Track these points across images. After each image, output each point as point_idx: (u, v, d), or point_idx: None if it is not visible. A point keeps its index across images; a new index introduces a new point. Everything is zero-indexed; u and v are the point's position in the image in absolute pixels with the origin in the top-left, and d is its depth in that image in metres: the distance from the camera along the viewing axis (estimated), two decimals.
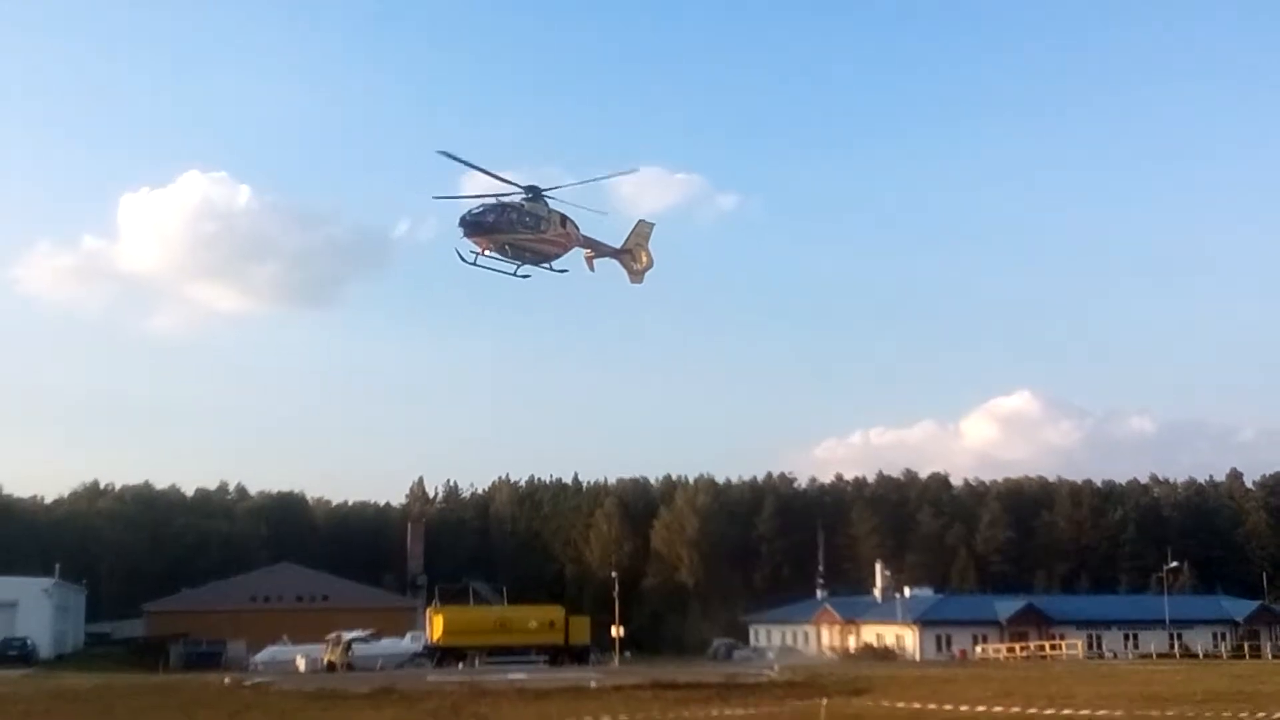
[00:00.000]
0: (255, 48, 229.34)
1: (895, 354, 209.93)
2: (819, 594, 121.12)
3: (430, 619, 71.30)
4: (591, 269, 50.11)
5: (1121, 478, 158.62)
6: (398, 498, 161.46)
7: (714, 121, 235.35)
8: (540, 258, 46.53)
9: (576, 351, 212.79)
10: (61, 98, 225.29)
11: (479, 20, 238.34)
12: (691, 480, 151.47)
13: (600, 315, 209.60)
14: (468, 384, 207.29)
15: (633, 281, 51.66)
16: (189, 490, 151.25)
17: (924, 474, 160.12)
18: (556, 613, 71.79)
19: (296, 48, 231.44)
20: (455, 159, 43.66)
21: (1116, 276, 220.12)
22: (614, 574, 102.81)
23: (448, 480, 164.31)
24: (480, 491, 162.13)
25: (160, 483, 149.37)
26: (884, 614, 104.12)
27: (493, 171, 44.70)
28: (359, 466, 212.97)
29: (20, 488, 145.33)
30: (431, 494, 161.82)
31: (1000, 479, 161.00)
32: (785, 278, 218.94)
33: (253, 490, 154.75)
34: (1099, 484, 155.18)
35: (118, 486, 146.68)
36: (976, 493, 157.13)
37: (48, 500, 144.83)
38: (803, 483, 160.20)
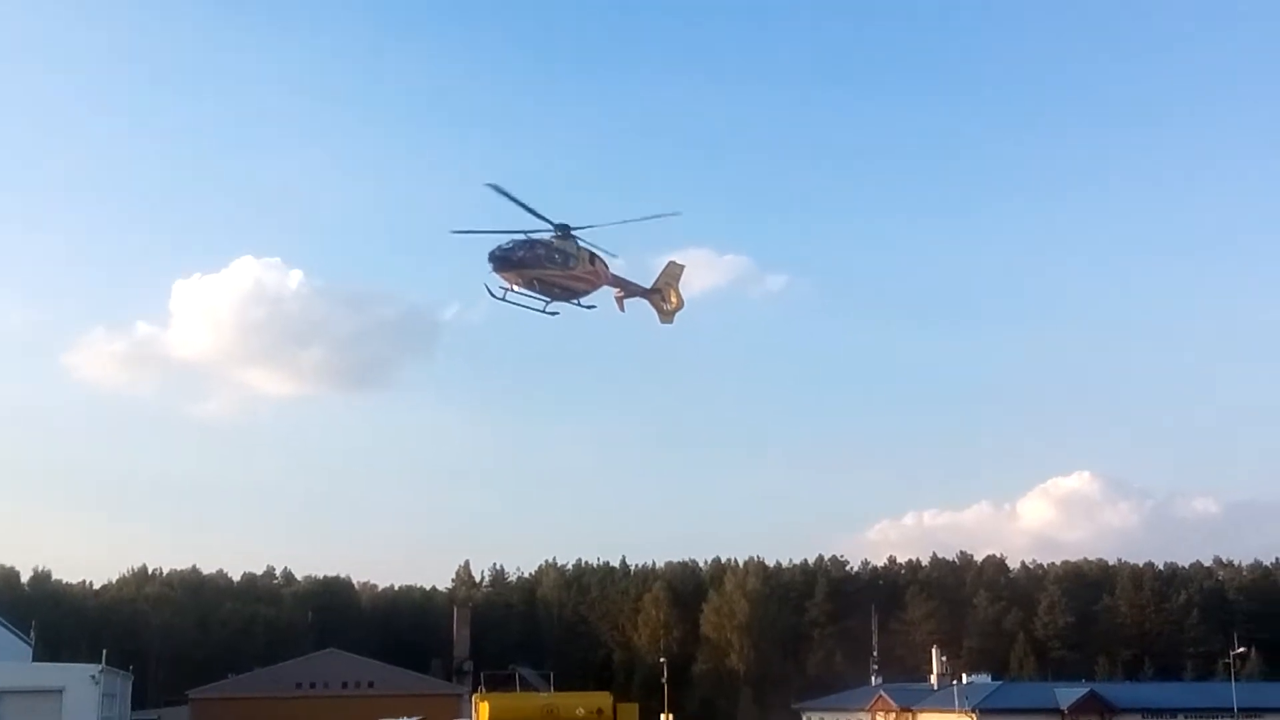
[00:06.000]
0: (309, 135, 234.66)
1: (948, 434, 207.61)
2: (873, 680, 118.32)
3: (476, 706, 69.76)
4: (622, 309, 50.40)
5: (1184, 560, 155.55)
6: (444, 582, 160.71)
7: (761, 204, 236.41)
8: (569, 294, 46.80)
9: (623, 434, 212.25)
10: (118, 186, 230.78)
11: (527, 105, 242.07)
12: (741, 563, 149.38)
13: (647, 397, 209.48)
14: (514, 467, 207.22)
15: (663, 321, 51.79)
16: (236, 575, 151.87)
17: (980, 556, 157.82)
18: (604, 699, 69.89)
19: (349, 136, 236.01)
20: (503, 193, 43.94)
21: (1178, 354, 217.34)
22: (663, 659, 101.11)
23: (494, 564, 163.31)
24: (527, 575, 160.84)
25: (207, 567, 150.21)
26: (941, 701, 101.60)
27: (536, 210, 44.85)
28: (405, 550, 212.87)
29: (69, 573, 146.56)
30: (478, 578, 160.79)
31: (1059, 562, 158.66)
32: (834, 358, 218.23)
33: (299, 575, 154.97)
34: (1161, 567, 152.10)
35: (165, 571, 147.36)
36: (1034, 576, 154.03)
37: (96, 585, 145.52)
38: (855, 566, 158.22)
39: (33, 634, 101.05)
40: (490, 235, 45.35)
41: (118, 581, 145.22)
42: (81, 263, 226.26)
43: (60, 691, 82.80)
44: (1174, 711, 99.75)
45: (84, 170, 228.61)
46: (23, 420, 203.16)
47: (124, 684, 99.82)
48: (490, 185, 43.84)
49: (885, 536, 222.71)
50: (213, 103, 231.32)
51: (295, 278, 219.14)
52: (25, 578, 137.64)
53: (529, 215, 44.90)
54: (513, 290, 45.56)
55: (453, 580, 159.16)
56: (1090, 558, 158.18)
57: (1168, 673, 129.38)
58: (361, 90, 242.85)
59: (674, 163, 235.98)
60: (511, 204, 44.25)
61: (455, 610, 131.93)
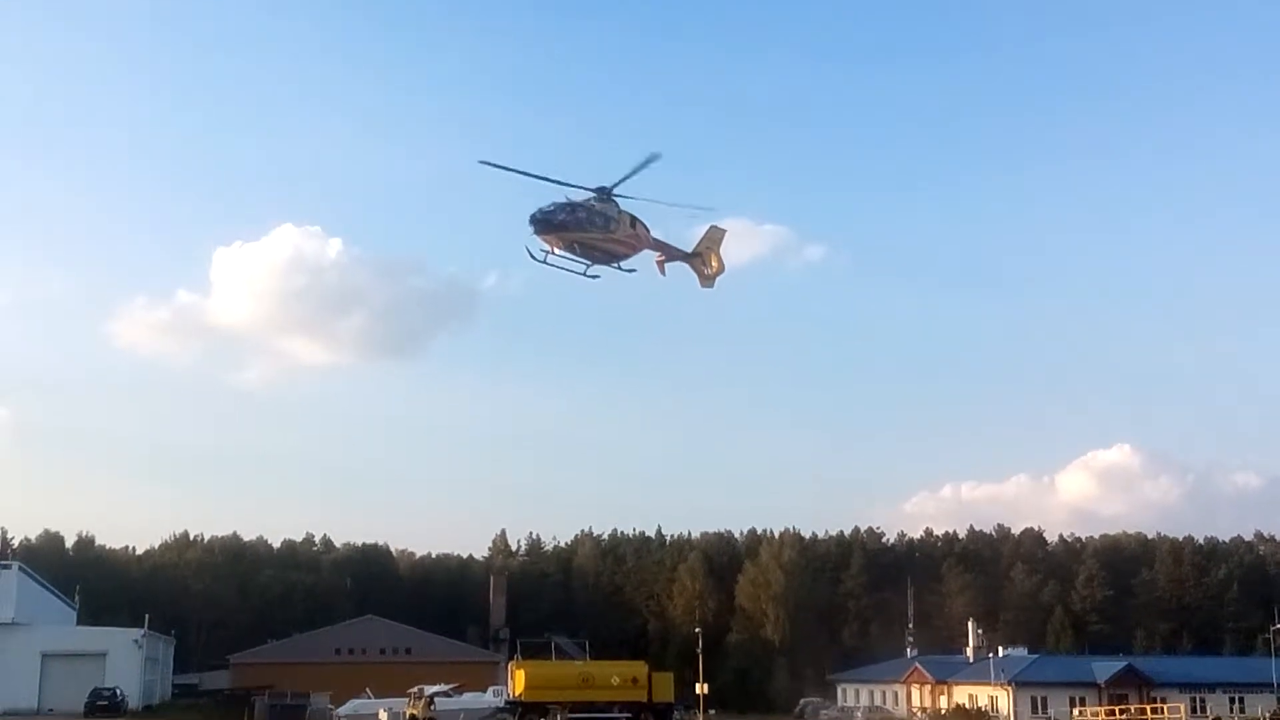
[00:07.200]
0: (350, 104, 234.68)
1: (988, 406, 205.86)
2: (909, 652, 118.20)
3: (512, 673, 70.42)
4: (663, 273, 50.45)
5: (1224, 535, 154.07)
6: (480, 550, 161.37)
7: (800, 174, 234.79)
8: (610, 257, 46.92)
9: (660, 404, 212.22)
10: (159, 154, 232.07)
11: (567, 76, 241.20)
12: (777, 534, 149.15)
13: (685, 367, 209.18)
14: (550, 436, 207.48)
15: (703, 286, 51.82)
16: (276, 542, 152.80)
17: (1017, 530, 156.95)
18: (639, 669, 70.48)
19: (390, 104, 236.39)
20: (496, 166, 44.06)
21: (1219, 327, 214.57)
22: (698, 630, 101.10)
23: (530, 533, 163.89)
24: (563, 544, 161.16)
25: (248, 534, 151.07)
26: (976, 674, 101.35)
27: (540, 175, 44.99)
28: (442, 519, 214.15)
29: (112, 538, 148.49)
30: (514, 547, 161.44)
31: (1097, 535, 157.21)
32: (873, 329, 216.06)
33: (338, 542, 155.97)
34: (1200, 541, 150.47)
35: (206, 538, 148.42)
36: (1073, 549, 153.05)
37: (139, 551, 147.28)
38: (891, 538, 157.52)
39: (77, 599, 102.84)
40: (519, 177, 45.13)
41: (160, 547, 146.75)
42: (123, 231, 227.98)
43: (104, 655, 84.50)
44: (1212, 686, 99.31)
45: (124, 138, 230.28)
46: (65, 388, 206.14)
47: (166, 648, 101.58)
48: (483, 161, 44.02)
49: (922, 509, 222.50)
50: (254, 69, 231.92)
51: (335, 246, 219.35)
52: (69, 543, 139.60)
53: (549, 180, 44.64)
54: (554, 253, 45.65)
55: (489, 549, 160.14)
56: (1129, 531, 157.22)
57: (1206, 647, 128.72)
58: (403, 58, 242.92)
59: (712, 132, 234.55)
60: (539, 178, 44.12)
61: (492, 579, 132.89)
